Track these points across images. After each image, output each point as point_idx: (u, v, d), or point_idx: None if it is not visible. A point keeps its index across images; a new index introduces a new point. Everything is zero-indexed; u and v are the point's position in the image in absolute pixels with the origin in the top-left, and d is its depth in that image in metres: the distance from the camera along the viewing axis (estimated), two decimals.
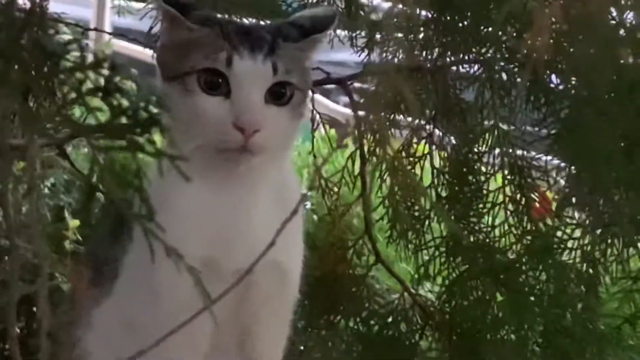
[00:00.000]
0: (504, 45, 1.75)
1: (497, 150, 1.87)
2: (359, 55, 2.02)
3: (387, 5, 2.05)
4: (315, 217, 2.24)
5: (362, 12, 2.10)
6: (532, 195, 1.88)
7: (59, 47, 0.85)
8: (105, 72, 0.86)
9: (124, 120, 0.86)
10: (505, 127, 1.85)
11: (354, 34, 2.09)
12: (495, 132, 1.84)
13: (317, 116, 2.13)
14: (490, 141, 1.85)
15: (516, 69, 1.70)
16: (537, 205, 1.88)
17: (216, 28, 1.43)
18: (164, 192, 1.21)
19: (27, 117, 0.89)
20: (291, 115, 1.43)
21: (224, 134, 1.37)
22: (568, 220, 1.77)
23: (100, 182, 0.91)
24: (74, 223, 2.70)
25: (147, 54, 2.07)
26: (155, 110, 0.85)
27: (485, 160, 1.90)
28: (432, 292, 2.04)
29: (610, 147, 1.16)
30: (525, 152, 1.90)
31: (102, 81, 0.87)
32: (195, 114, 1.38)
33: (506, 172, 1.88)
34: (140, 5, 2.30)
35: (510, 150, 1.87)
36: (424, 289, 2.06)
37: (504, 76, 1.79)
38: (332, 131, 3.19)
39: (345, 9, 2.10)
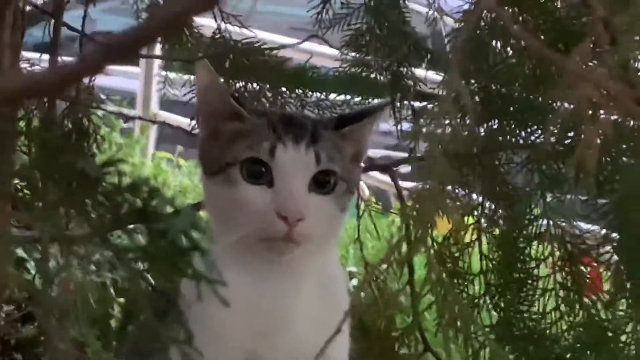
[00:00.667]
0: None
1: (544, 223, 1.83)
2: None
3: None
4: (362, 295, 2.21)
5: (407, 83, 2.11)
6: (585, 277, 1.84)
7: (96, 169, 0.83)
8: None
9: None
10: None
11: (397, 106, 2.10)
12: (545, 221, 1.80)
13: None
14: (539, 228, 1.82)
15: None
16: (591, 283, 1.84)
17: (261, 118, 1.44)
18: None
19: (63, 239, 0.88)
20: (335, 204, 1.42)
21: (267, 224, 1.36)
22: (621, 312, 1.72)
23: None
24: (119, 300, 2.69)
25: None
26: (195, 235, 0.83)
27: (534, 246, 1.86)
28: None
29: None
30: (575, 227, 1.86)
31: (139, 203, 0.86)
32: (238, 203, 1.38)
33: (556, 254, 1.84)
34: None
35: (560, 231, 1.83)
36: None
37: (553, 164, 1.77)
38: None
39: (392, 80, 2.10)
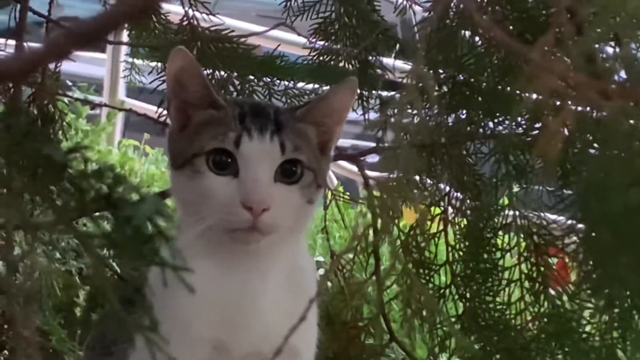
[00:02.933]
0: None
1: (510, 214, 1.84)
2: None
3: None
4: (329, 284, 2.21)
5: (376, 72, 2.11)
6: (550, 267, 1.84)
7: (61, 155, 0.83)
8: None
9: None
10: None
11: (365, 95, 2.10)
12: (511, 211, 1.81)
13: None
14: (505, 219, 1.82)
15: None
16: (556, 274, 1.85)
17: (230, 107, 1.43)
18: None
19: (28, 225, 0.87)
20: (301, 194, 1.42)
21: (232, 214, 1.36)
22: (586, 303, 1.72)
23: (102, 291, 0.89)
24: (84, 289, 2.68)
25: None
26: (160, 222, 0.83)
27: (500, 236, 1.87)
28: None
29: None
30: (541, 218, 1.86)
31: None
32: (204, 194, 1.38)
33: (522, 245, 1.84)
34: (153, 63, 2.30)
35: (526, 222, 1.84)
36: None
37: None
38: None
39: (360, 69, 2.10)
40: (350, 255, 1.95)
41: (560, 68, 0.75)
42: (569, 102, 0.80)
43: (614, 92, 0.75)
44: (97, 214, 0.87)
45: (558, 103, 0.84)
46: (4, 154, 0.85)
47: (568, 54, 0.84)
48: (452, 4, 1.73)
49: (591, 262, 1.26)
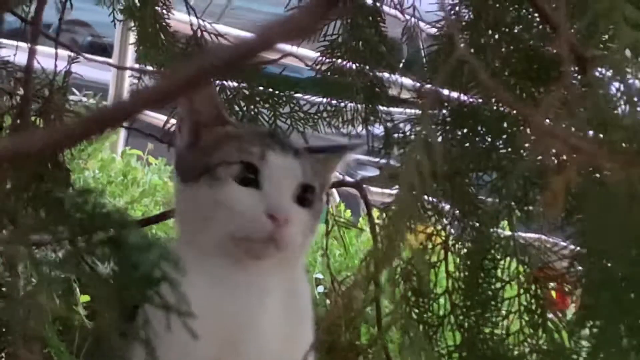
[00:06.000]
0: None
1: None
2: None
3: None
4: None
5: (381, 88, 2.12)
6: (549, 298, 1.85)
7: (71, 199, 0.84)
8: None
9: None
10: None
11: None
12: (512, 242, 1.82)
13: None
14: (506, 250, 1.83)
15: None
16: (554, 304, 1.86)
17: (248, 128, 1.46)
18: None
19: (35, 262, 0.88)
20: (310, 219, 1.44)
21: (254, 222, 1.37)
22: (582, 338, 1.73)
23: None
24: (83, 298, 2.68)
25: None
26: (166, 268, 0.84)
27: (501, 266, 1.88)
28: None
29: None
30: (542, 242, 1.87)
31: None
32: (223, 203, 1.39)
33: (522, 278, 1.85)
34: None
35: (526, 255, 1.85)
36: None
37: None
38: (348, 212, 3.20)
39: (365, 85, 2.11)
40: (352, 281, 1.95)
41: (563, 133, 0.76)
42: (572, 163, 0.81)
43: (618, 158, 0.76)
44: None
45: (562, 160, 0.85)
46: (15, 192, 0.86)
47: (573, 113, 0.85)
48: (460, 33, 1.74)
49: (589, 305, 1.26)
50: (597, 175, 0.88)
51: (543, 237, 1.89)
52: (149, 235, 0.84)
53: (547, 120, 0.84)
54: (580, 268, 1.68)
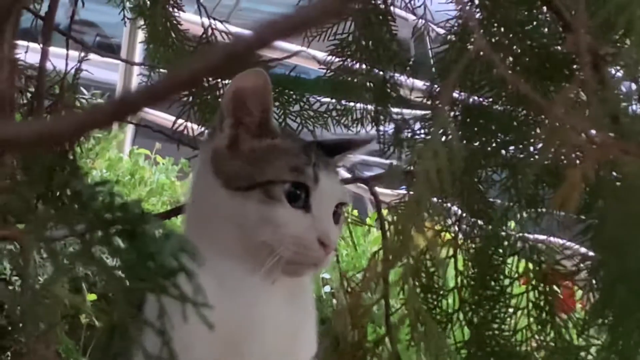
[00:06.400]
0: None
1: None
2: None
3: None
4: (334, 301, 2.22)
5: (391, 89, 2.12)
6: (557, 296, 1.85)
7: (89, 190, 0.84)
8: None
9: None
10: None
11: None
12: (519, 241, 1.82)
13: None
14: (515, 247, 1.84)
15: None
16: (562, 303, 1.87)
17: (295, 140, 1.44)
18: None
19: (51, 253, 0.89)
20: (338, 234, 1.44)
21: (308, 249, 1.37)
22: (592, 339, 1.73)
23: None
24: (90, 296, 2.69)
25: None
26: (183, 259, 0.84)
27: (509, 263, 1.88)
28: None
29: None
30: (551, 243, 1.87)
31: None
32: (274, 222, 1.37)
33: (530, 274, 1.85)
34: None
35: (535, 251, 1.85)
36: None
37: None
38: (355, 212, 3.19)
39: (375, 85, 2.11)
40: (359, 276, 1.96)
41: (581, 125, 0.76)
42: (588, 156, 0.81)
43: (634, 150, 0.77)
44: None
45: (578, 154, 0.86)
46: (32, 184, 0.87)
47: (589, 106, 0.85)
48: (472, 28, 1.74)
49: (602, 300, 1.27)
50: (613, 171, 0.89)
51: (552, 238, 1.89)
52: (165, 226, 0.85)
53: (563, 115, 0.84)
54: (590, 265, 1.69)
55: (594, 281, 1.65)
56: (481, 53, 0.88)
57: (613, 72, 1.12)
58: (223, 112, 1.42)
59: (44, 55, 1.76)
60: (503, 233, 1.84)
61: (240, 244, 1.37)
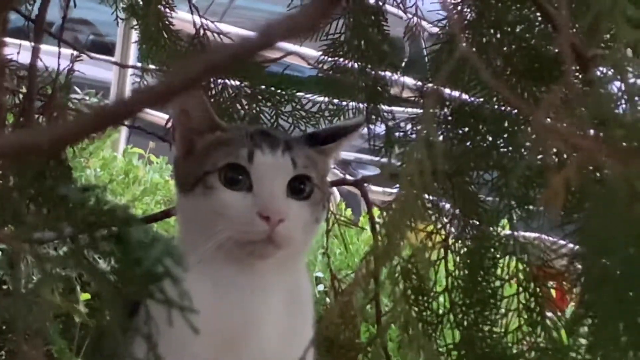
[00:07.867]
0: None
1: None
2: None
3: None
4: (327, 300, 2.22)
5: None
6: (548, 297, 1.86)
7: (76, 195, 0.85)
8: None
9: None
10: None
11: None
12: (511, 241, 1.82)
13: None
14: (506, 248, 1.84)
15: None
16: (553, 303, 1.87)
17: (237, 130, 1.46)
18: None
19: (40, 259, 0.89)
20: (311, 211, 1.44)
21: (249, 225, 1.38)
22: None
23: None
24: (84, 296, 2.68)
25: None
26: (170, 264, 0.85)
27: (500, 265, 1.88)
28: None
29: None
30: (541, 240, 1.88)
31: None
32: (218, 210, 1.40)
33: (521, 276, 1.86)
34: None
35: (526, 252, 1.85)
36: None
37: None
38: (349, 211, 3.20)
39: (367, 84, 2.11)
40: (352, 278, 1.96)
41: (564, 130, 0.77)
42: (573, 160, 0.82)
43: (618, 155, 0.77)
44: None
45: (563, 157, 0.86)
46: (20, 189, 0.87)
47: (574, 111, 0.86)
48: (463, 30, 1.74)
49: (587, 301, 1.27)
50: (598, 173, 0.89)
51: (543, 236, 1.89)
52: (152, 231, 0.85)
53: (548, 119, 0.84)
54: (579, 266, 1.69)
55: (582, 280, 1.65)
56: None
57: (604, 72, 1.12)
58: (173, 126, 1.56)
59: (35, 54, 1.75)
60: (494, 233, 1.83)
61: (215, 245, 1.39)
